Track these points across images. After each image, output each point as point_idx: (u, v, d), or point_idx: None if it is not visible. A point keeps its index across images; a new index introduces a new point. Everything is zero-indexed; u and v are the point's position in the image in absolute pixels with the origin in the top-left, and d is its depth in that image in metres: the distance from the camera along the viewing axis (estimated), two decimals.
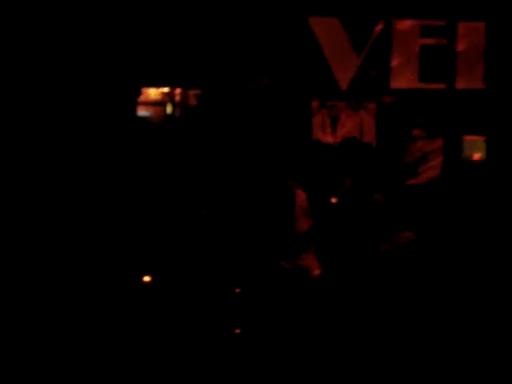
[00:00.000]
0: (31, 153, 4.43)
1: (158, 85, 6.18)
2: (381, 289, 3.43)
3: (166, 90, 7.00)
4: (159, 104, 7.09)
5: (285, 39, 5.08)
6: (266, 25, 5.05)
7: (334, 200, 3.95)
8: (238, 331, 3.17)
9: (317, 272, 3.37)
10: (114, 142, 4.68)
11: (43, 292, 3.83)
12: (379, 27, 5.19)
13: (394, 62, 5.21)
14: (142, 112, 6.49)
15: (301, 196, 3.46)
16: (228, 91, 5.29)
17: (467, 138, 5.23)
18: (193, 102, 6.56)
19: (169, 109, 7.05)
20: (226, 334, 3.18)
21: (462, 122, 5.13)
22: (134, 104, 5.27)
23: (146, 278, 4.01)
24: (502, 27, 5.09)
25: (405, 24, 5.22)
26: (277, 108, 5.05)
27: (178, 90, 6.83)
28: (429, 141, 5.33)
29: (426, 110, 5.35)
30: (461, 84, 5.11)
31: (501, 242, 3.73)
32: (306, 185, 3.65)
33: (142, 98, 5.80)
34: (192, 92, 6.49)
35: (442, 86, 5.21)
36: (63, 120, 4.57)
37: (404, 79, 5.23)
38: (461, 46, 5.16)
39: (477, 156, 5.28)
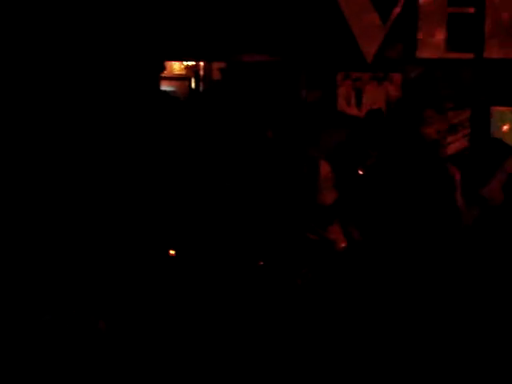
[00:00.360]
0: (57, 128, 4.45)
1: (181, 58, 6.16)
2: (408, 262, 3.39)
3: (189, 64, 6.98)
4: (183, 78, 7.09)
5: (309, 10, 5.01)
6: None
7: (360, 172, 3.90)
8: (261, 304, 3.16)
9: (342, 244, 3.34)
10: (138, 117, 4.67)
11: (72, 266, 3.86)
12: None
13: (421, 32, 5.12)
14: (166, 86, 6.49)
15: (325, 168, 3.41)
16: (252, 64, 5.24)
17: (496, 109, 5.13)
18: (217, 76, 6.53)
19: (193, 83, 7.04)
20: (251, 306, 3.18)
21: (491, 93, 5.03)
22: (158, 79, 5.24)
23: (171, 252, 4.02)
24: None
25: None
26: (302, 81, 5.00)
27: (201, 65, 6.81)
28: (457, 112, 5.25)
29: (454, 80, 5.25)
30: (489, 53, 5.01)
31: None
32: (331, 156, 3.60)
33: (166, 73, 5.77)
34: (216, 66, 6.46)
35: (470, 55, 5.11)
36: (87, 95, 4.57)
37: (431, 49, 5.13)
38: (489, 15, 5.05)
39: (506, 127, 5.18)
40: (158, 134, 4.67)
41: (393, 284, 3.29)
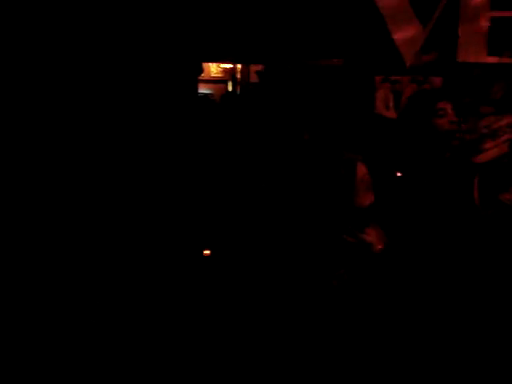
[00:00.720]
0: (96, 127, 4.48)
1: (218, 60, 6.17)
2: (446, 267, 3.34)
3: (227, 67, 7.00)
4: (220, 81, 7.11)
5: (347, 12, 4.97)
6: None
7: (398, 174, 3.86)
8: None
9: (379, 247, 3.30)
10: (177, 119, 4.68)
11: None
12: None
13: (462, 35, 5.05)
14: (204, 89, 6.51)
15: (362, 170, 3.39)
16: (291, 67, 5.23)
17: None
18: (254, 78, 6.53)
19: (230, 86, 7.06)
20: (287, 305, 3.17)
21: None
22: (196, 81, 5.25)
23: (207, 252, 4.03)
24: None
25: None
26: (341, 83, 4.96)
27: (239, 67, 6.82)
28: (497, 117, 5.17)
29: (496, 84, 5.18)
30: None
31: None
32: (369, 159, 3.57)
33: (203, 75, 5.78)
34: (253, 69, 6.46)
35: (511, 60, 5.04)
36: (126, 97, 4.60)
37: (472, 53, 5.06)
38: None
39: None
40: (196, 136, 4.68)
41: (422, 284, 3.25)
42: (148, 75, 4.68)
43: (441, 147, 3.67)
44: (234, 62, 6.46)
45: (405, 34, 5.01)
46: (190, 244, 3.99)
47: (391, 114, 5.00)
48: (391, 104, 5.02)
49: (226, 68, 6.98)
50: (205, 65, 5.74)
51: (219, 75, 7.04)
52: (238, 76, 6.81)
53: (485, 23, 5.05)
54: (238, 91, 6.77)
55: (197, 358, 3.53)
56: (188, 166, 4.36)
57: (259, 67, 6.23)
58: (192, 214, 4.11)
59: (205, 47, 5.13)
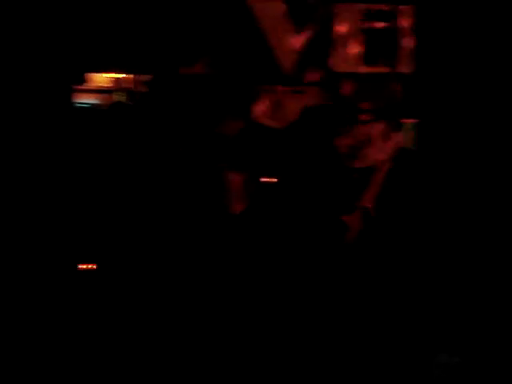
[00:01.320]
0: None
1: (103, 70, 6.12)
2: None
3: (113, 76, 6.93)
4: (107, 91, 7.02)
5: (226, 22, 5.06)
6: (206, 6, 5.02)
7: (273, 180, 3.96)
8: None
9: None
10: (50, 128, 4.62)
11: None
12: (321, 10, 5.21)
13: (337, 46, 5.23)
14: (89, 99, 6.42)
15: (235, 178, 3.46)
16: (170, 76, 5.26)
17: (406, 121, 5.28)
18: (142, 88, 6.50)
19: (117, 96, 6.99)
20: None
21: (402, 106, 5.19)
22: (71, 90, 5.19)
23: (83, 266, 3.99)
24: (431, 10, 5.14)
25: (347, 7, 5.24)
26: (218, 93, 5.03)
27: (126, 77, 6.77)
28: (374, 124, 5.38)
29: (371, 93, 5.38)
30: (401, 68, 5.18)
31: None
32: (242, 167, 3.65)
33: (88, 85, 5.72)
34: (141, 78, 6.43)
35: (386, 69, 5.27)
36: None
37: (347, 63, 5.25)
38: (400, 31, 5.22)
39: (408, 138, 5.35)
40: (71, 146, 4.63)
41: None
42: (22, 83, 4.61)
43: (319, 155, 3.80)
44: (119, 72, 6.41)
45: (283, 44, 5.15)
46: (63, 256, 3.95)
47: (271, 122, 5.11)
48: (271, 113, 5.13)
49: (112, 77, 6.90)
50: (90, 75, 5.68)
51: (105, 85, 6.95)
52: (126, 86, 6.75)
53: (359, 34, 5.26)
54: (126, 101, 6.72)
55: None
56: (61, 174, 4.31)
57: (147, 77, 6.21)
58: (65, 225, 4.06)
59: (88, 58, 5.08)
